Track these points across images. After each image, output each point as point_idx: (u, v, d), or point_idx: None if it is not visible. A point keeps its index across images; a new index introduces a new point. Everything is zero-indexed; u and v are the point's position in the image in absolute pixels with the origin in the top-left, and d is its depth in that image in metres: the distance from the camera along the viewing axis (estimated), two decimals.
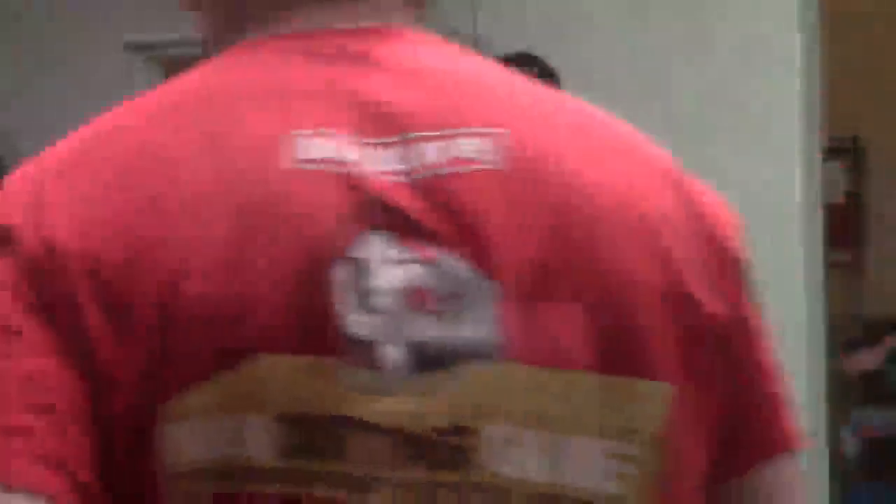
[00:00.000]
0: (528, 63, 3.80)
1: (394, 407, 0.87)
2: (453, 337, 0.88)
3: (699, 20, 4.48)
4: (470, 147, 0.92)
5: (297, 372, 0.86)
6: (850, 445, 6.12)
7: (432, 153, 0.91)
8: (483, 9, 4.64)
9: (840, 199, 6.48)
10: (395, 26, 0.98)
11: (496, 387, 0.89)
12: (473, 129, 0.92)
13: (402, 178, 0.90)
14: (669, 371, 0.93)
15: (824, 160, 4.65)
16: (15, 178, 0.92)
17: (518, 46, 3.93)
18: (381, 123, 0.91)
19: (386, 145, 0.91)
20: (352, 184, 0.89)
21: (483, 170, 0.91)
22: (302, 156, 0.89)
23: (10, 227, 0.88)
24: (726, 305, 0.96)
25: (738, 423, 0.98)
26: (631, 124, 1.02)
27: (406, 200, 0.89)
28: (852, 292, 6.61)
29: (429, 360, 0.88)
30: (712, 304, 0.95)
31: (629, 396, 0.91)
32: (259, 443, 0.86)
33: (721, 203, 1.00)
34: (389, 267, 0.88)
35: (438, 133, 0.92)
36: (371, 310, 0.87)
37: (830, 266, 4.71)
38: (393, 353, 0.87)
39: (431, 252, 0.89)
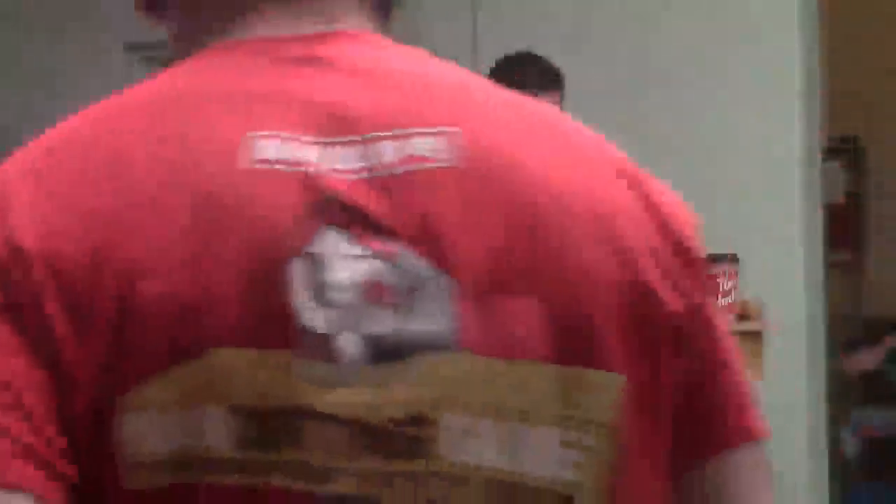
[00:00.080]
0: (531, 63, 3.79)
1: (350, 398, 0.89)
2: (410, 329, 0.90)
3: (699, 20, 4.48)
4: (425, 146, 0.94)
5: (254, 365, 0.88)
6: (850, 445, 6.13)
7: (389, 152, 0.93)
8: (483, 9, 4.64)
9: (840, 199, 6.48)
10: (352, 31, 1.01)
11: (453, 378, 0.90)
12: (429, 129, 0.94)
13: (359, 177, 0.92)
14: (624, 362, 0.95)
15: (824, 160, 4.64)
16: None
17: (518, 46, 3.92)
18: (339, 124, 0.94)
19: (343, 145, 0.93)
20: (309, 183, 0.91)
21: (438, 168, 0.93)
22: (260, 156, 0.91)
23: None
24: (684, 299, 0.98)
25: (697, 414, 1.00)
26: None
27: (363, 198, 0.91)
28: (852, 292, 6.61)
29: (385, 352, 0.90)
30: (670, 297, 0.97)
31: (584, 387, 0.94)
32: (217, 434, 0.88)
33: (679, 201, 1.02)
34: (347, 262, 0.90)
35: (395, 133, 0.94)
36: (328, 304, 0.89)
37: (830, 266, 4.71)
38: (349, 345, 0.89)
39: (389, 248, 0.91)
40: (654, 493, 0.98)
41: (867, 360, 6.21)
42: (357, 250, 0.91)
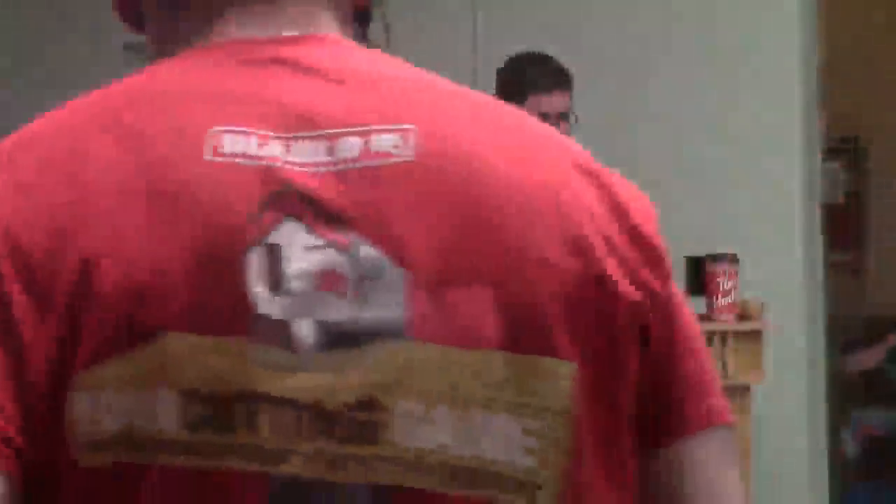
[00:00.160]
0: (541, 63, 3.78)
1: (304, 383, 0.92)
2: (365, 317, 0.93)
3: (699, 21, 4.48)
4: (386, 142, 0.97)
5: (208, 349, 0.91)
6: (850, 445, 6.12)
7: (349, 148, 0.96)
8: (483, 9, 4.64)
9: (840, 199, 6.48)
10: (321, 35, 1.04)
11: (408, 365, 0.93)
12: (388, 126, 0.97)
13: (319, 170, 0.95)
14: (578, 351, 0.97)
15: (824, 160, 4.65)
16: None
17: (518, 47, 3.92)
18: (302, 121, 0.97)
19: (309, 139, 0.96)
20: (269, 175, 0.94)
21: (396, 163, 0.96)
22: (222, 150, 0.94)
23: None
24: (643, 288, 1.00)
25: (660, 402, 1.03)
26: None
27: (322, 191, 0.94)
28: (852, 292, 6.61)
29: (341, 339, 0.92)
30: (628, 286, 0.99)
31: (539, 374, 0.96)
32: (170, 417, 0.91)
33: (639, 194, 1.04)
34: (303, 252, 0.93)
35: (356, 129, 0.97)
36: (284, 292, 0.92)
37: (830, 266, 4.71)
38: (305, 332, 0.92)
39: (344, 239, 0.93)
40: (613, 480, 1.00)
41: (867, 359, 6.20)
42: (313, 240, 0.93)
